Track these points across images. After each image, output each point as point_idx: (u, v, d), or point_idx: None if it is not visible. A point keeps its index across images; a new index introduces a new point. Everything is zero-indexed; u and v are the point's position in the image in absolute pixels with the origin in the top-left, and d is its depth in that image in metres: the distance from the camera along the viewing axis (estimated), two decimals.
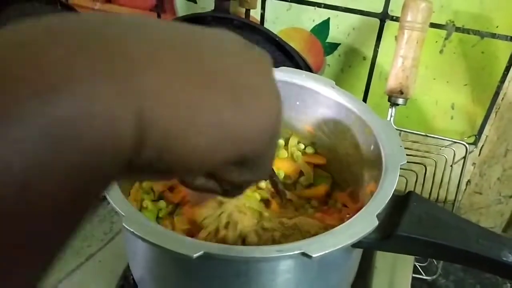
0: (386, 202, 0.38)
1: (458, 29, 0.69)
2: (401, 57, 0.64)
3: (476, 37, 0.68)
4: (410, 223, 0.39)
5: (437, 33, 0.70)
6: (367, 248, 0.40)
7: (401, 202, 0.41)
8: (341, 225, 0.36)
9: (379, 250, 0.40)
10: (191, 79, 0.19)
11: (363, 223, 0.36)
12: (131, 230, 0.35)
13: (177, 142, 0.18)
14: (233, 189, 0.28)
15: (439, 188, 0.71)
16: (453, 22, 0.68)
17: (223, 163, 0.21)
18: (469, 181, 0.82)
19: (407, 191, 0.76)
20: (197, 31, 0.21)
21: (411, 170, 0.72)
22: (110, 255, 0.55)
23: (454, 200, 0.69)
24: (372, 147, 0.47)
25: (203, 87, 0.19)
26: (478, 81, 0.72)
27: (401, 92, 0.64)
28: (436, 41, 0.71)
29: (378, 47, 0.74)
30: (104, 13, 0.20)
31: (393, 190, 0.39)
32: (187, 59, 0.19)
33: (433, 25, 0.67)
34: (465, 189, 0.83)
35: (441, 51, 0.72)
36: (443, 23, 0.69)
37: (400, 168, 0.43)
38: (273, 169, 0.46)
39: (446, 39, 0.70)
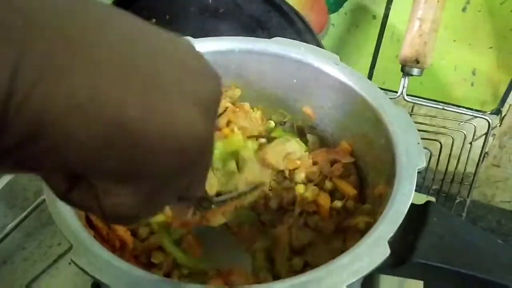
0: (400, 223, 0.30)
1: None
2: (418, 19, 0.54)
3: None
4: (429, 246, 0.31)
5: None
6: (376, 273, 0.33)
7: (417, 216, 0.34)
8: (343, 256, 0.29)
9: (388, 275, 0.33)
10: (94, 58, 0.16)
11: (371, 252, 0.29)
12: (81, 266, 0.28)
13: (56, 120, 0.15)
14: (114, 217, 0.21)
15: (455, 168, 0.63)
16: None
17: (110, 167, 0.17)
18: (486, 153, 0.75)
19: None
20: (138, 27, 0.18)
21: (424, 148, 0.64)
22: None
23: (472, 182, 0.62)
24: (382, 140, 0.38)
25: (104, 68, 0.16)
26: (505, 44, 0.64)
27: (417, 61, 0.55)
28: None
29: (391, 4, 0.65)
30: None
31: (409, 205, 0.32)
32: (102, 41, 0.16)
33: None
34: (482, 161, 0.76)
35: (463, 9, 0.62)
36: None
37: None
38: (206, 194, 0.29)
39: None
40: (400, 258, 0.31)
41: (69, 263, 0.48)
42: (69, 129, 0.16)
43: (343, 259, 0.29)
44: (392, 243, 0.30)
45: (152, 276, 0.29)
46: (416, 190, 0.67)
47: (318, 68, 0.43)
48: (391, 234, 0.30)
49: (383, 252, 0.29)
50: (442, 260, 0.31)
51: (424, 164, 0.35)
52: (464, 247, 0.31)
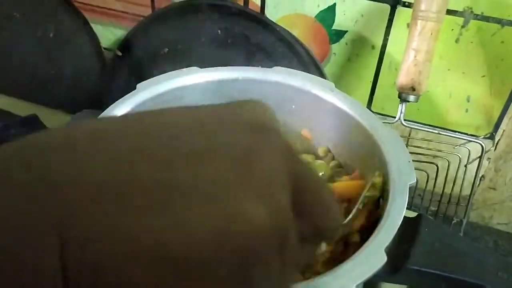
0: (395, 233, 0.34)
1: (476, 17, 0.63)
2: (413, 50, 0.58)
3: (496, 26, 0.62)
4: (421, 254, 0.34)
5: (454, 21, 0.64)
6: (373, 281, 0.35)
7: (410, 227, 0.37)
8: (345, 263, 0.32)
9: (386, 282, 0.36)
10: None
11: (370, 259, 0.32)
12: None
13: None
14: None
15: (452, 189, 0.66)
16: (471, 8, 0.62)
17: None
18: (483, 176, 0.78)
19: (416, 191, 0.73)
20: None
21: (422, 170, 0.67)
22: None
23: (468, 203, 0.64)
24: (376, 159, 0.42)
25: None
26: (497, 73, 0.67)
27: (413, 89, 0.59)
28: (452, 29, 0.65)
29: (388, 35, 0.68)
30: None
31: (402, 217, 0.35)
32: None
33: (449, 12, 0.61)
34: (479, 185, 0.79)
35: (457, 40, 0.66)
36: (460, 9, 0.63)
37: None
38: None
39: (463, 27, 0.64)
40: (395, 265, 0.34)
41: None
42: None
43: (346, 265, 0.32)
44: (388, 251, 0.33)
45: None
46: (414, 211, 0.70)
47: (315, 95, 0.47)
48: (387, 243, 0.33)
49: (381, 259, 0.32)
50: (433, 266, 0.34)
51: (414, 181, 0.38)
52: (453, 254, 0.34)
